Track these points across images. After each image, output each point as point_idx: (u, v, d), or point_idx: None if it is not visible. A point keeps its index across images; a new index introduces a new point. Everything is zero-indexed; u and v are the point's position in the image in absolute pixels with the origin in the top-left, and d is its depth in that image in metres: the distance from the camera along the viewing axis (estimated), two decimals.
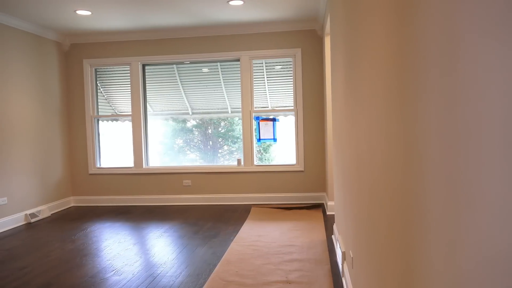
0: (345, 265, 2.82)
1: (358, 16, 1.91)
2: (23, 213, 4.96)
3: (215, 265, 3.29)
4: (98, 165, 6.02)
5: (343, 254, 2.87)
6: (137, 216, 5.19)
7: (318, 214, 4.95)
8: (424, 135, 0.91)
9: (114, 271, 3.24)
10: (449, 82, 0.75)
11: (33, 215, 5.05)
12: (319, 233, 4.11)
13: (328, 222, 4.56)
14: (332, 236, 3.95)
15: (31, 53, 5.18)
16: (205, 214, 5.13)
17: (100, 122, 6.06)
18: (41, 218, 5.18)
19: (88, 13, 4.70)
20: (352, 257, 2.39)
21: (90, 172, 5.96)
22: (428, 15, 0.86)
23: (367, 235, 1.80)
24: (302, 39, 5.54)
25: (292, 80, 5.63)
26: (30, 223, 4.98)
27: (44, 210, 5.27)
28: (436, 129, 0.83)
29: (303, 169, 5.61)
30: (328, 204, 4.87)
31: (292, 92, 5.64)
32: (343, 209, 2.89)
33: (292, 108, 5.64)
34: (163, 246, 3.86)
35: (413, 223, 1.02)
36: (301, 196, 5.63)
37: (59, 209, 5.69)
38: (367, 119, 1.71)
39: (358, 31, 1.93)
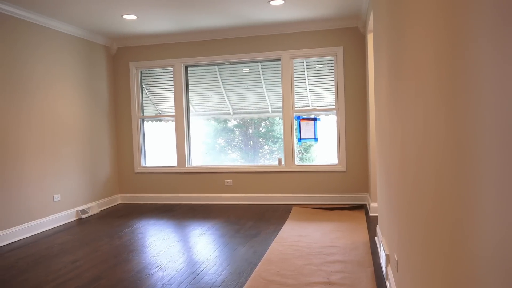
0: (389, 268, 2.75)
1: (402, 12, 1.86)
2: (74, 210, 5.23)
3: (256, 264, 3.31)
4: (143, 164, 6.23)
5: (387, 256, 2.80)
6: (180, 214, 5.32)
7: (361, 215, 4.85)
8: (476, 134, 0.87)
9: (159, 267, 3.34)
10: (504, 80, 0.71)
11: (83, 211, 5.31)
12: (362, 234, 4.03)
13: (371, 223, 4.46)
14: (376, 238, 3.86)
15: (82, 57, 5.44)
16: (246, 213, 5.17)
17: (145, 122, 6.27)
18: (91, 214, 5.43)
19: (134, 17, 4.88)
20: (397, 260, 2.33)
21: (136, 171, 6.18)
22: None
23: (412, 238, 1.74)
24: (343, 37, 5.45)
25: (333, 79, 5.56)
26: (80, 219, 5.24)
27: (94, 207, 5.52)
28: (490, 128, 0.79)
29: (345, 169, 5.52)
30: (371, 205, 4.76)
31: (334, 91, 5.56)
32: (387, 210, 2.82)
33: (334, 107, 5.56)
34: (205, 244, 3.93)
35: (463, 227, 0.98)
36: (343, 197, 5.54)
37: (107, 206, 5.94)
38: (413, 118, 1.65)
39: (402, 28, 1.87)
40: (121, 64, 6.16)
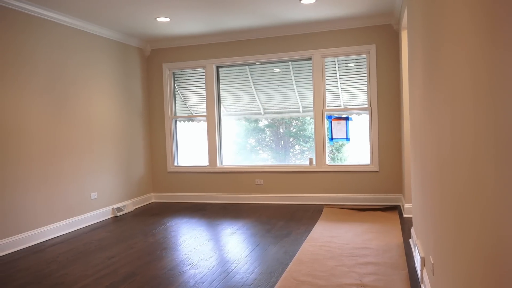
0: (424, 271, 2.68)
1: (438, 9, 1.80)
2: (110, 207, 5.40)
3: (287, 264, 3.30)
4: (176, 164, 6.35)
5: (422, 259, 2.73)
6: (211, 213, 5.38)
7: (394, 216, 4.75)
8: None
9: (191, 265, 3.39)
10: None
11: (119, 209, 5.47)
12: (395, 236, 3.94)
13: (405, 225, 4.35)
14: (410, 240, 3.76)
15: (118, 59, 5.61)
16: (277, 213, 5.17)
17: (177, 122, 6.38)
18: (126, 212, 5.59)
19: (167, 19, 4.98)
20: (433, 263, 2.26)
21: (169, 170, 6.30)
22: None
23: (448, 240, 1.69)
24: (376, 35, 5.34)
25: (366, 77, 5.46)
26: (116, 216, 5.40)
27: (129, 205, 5.68)
28: None
29: (377, 169, 5.42)
30: (405, 206, 4.65)
31: (366, 90, 5.46)
32: (421, 211, 2.74)
33: (366, 106, 5.47)
34: (236, 243, 3.96)
35: (502, 231, 0.94)
36: (375, 197, 5.44)
37: (141, 204, 6.10)
38: (450, 117, 1.60)
39: (438, 26, 1.81)
40: (154, 66, 6.30)
